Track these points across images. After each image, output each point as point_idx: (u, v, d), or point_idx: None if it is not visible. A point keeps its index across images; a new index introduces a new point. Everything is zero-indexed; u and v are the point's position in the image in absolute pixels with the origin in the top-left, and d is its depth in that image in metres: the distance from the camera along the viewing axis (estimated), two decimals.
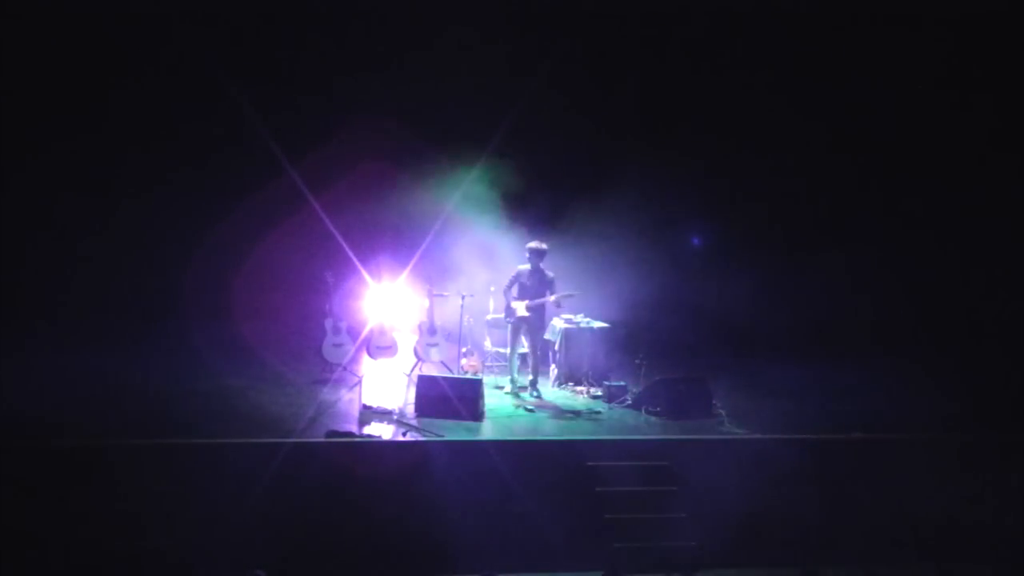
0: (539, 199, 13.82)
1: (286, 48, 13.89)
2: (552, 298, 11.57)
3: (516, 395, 11.82)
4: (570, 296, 11.80)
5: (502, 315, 12.09)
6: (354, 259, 12.99)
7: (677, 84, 14.52)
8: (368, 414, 10.68)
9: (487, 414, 11.07)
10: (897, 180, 14.89)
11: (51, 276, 13.51)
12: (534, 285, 11.67)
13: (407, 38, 14.02)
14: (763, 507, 9.79)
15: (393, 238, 13.77)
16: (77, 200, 13.59)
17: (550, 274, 11.77)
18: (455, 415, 10.67)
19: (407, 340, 12.58)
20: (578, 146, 14.48)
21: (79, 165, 13.60)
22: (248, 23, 13.65)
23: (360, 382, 11.58)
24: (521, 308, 11.61)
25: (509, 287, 11.73)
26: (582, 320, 12.60)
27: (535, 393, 11.88)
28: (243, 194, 13.79)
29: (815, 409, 11.54)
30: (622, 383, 11.94)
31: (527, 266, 11.70)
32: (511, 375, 11.94)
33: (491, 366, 12.80)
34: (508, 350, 11.97)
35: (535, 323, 11.79)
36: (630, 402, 11.63)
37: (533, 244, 11.70)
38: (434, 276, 12.62)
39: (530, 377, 11.92)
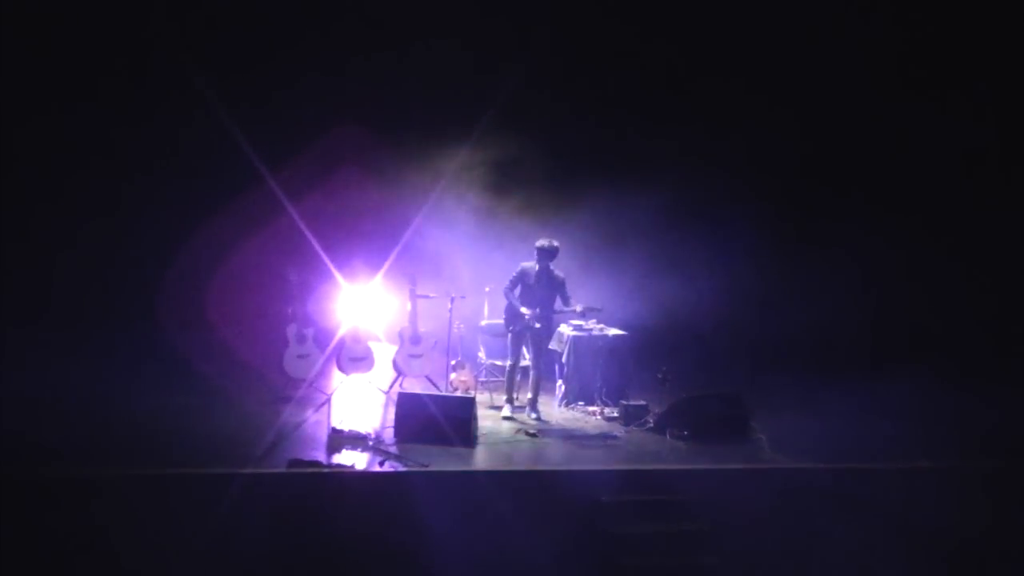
0: (543, 178, 13.15)
1: (258, 43, 13.33)
2: (578, 308, 11.02)
3: (514, 417, 11.07)
4: (597, 311, 11.35)
5: (501, 320, 11.40)
6: (322, 253, 12.39)
7: (689, 79, 14.08)
8: (338, 439, 9.83)
9: (481, 439, 10.32)
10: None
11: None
12: (541, 288, 10.98)
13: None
14: (809, 547, 9.35)
15: (369, 229, 13.29)
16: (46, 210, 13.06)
17: (560, 275, 11.05)
18: (443, 440, 9.93)
19: (385, 351, 11.94)
20: (591, 125, 13.91)
21: (49, 172, 13.05)
22: (221, 22, 13.17)
23: (329, 401, 10.87)
24: (528, 314, 10.93)
25: (512, 287, 11.03)
26: (594, 326, 11.95)
27: (535, 414, 11.15)
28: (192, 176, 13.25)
29: (870, 432, 10.95)
30: (642, 402, 11.32)
31: (533, 265, 10.99)
32: (508, 394, 11.27)
33: (486, 381, 12.08)
34: (507, 363, 11.31)
35: (542, 333, 11.13)
36: (652, 424, 11.01)
37: (543, 242, 10.96)
38: (417, 274, 11.92)
39: (530, 395, 11.18)
